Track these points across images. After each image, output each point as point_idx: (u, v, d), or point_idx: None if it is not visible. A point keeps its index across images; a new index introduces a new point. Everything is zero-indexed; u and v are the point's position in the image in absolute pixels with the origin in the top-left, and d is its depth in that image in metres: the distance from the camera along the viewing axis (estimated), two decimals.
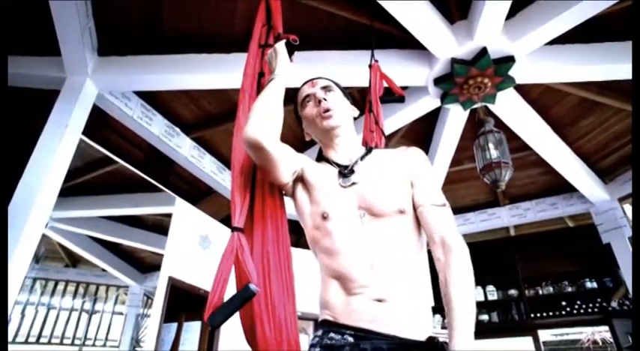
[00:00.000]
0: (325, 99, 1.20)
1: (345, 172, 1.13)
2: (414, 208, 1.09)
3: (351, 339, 0.94)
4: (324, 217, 1.07)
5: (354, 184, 1.11)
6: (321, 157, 1.27)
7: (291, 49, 1.28)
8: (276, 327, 1.00)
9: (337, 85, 1.30)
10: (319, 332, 1.01)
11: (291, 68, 1.27)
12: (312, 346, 0.98)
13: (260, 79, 1.38)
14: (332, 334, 0.97)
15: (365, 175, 1.12)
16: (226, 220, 4.42)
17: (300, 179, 1.19)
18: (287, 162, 1.15)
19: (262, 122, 1.08)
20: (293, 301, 1.07)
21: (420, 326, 0.96)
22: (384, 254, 1.00)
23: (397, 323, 0.93)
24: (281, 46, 1.27)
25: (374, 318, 0.94)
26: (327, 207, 1.08)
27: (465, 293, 0.91)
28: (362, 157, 1.18)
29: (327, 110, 1.19)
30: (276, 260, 1.08)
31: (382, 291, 0.96)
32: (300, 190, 1.17)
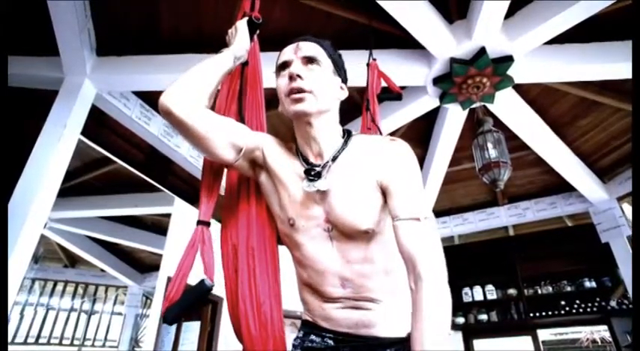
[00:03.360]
0: (300, 76, 0.97)
1: (312, 174, 0.96)
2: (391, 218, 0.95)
3: (331, 342, 0.95)
4: (291, 225, 1.00)
5: (319, 191, 0.97)
6: (294, 140, 1.10)
7: (253, 28, 1.22)
8: (261, 324, 0.99)
9: (328, 50, 1.06)
10: (300, 333, 1.01)
11: (248, 46, 1.19)
12: (294, 346, 0.99)
13: (243, 68, 1.27)
14: (312, 337, 0.97)
15: (334, 183, 0.97)
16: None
17: (262, 165, 1.07)
18: (217, 133, 0.98)
19: (180, 88, 0.98)
20: (278, 297, 1.05)
21: (400, 325, 0.95)
22: (353, 274, 0.96)
23: (375, 326, 0.93)
24: (241, 24, 1.21)
25: (351, 324, 0.94)
26: (294, 214, 1.00)
27: (432, 341, 0.73)
28: (334, 157, 1.00)
29: (300, 91, 0.96)
30: (262, 257, 1.06)
31: (356, 302, 0.95)
32: (265, 180, 1.07)
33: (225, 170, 1.16)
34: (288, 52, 1.03)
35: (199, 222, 1.06)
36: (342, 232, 0.96)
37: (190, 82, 1.00)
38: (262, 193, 1.11)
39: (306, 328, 1.00)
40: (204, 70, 1.03)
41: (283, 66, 1.02)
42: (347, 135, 1.06)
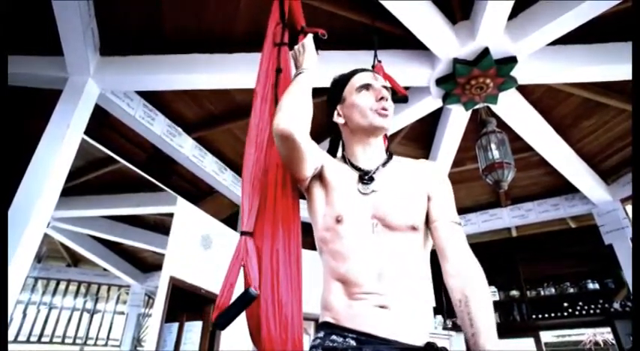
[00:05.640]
0: (387, 99, 1.17)
1: (365, 178, 1.11)
2: (428, 222, 1.08)
3: (352, 342, 0.93)
4: (338, 221, 1.05)
5: (373, 191, 1.08)
6: (333, 151, 1.25)
7: (317, 43, 1.28)
8: (282, 325, 1.00)
9: None
10: (320, 334, 1.00)
11: (317, 63, 1.26)
12: (313, 347, 0.98)
13: (278, 75, 1.36)
14: (334, 337, 0.96)
15: (384, 184, 1.10)
16: (228, 220, 4.42)
17: (318, 176, 1.17)
18: (312, 157, 1.12)
19: (293, 114, 1.07)
20: (299, 300, 1.07)
21: (420, 333, 0.96)
22: (391, 266, 0.99)
23: (399, 329, 0.93)
24: (309, 41, 1.28)
25: (376, 323, 0.94)
26: (343, 211, 1.06)
27: (490, 316, 0.92)
28: (384, 164, 1.16)
29: (386, 109, 1.16)
30: (285, 259, 1.08)
31: (386, 299, 0.96)
32: (316, 187, 1.15)
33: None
34: (370, 77, 1.22)
35: (243, 233, 1.10)
36: (388, 226, 1.04)
37: (299, 109, 1.10)
38: (289, 198, 1.17)
39: (326, 328, 0.99)
40: (301, 95, 1.14)
41: (366, 87, 1.19)
42: (390, 153, 1.23)
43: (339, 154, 1.27)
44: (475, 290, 0.93)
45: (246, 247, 1.07)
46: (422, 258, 1.05)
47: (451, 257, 0.99)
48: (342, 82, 1.25)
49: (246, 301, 1.01)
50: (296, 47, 1.30)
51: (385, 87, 1.20)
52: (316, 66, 1.24)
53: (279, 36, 1.43)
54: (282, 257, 1.08)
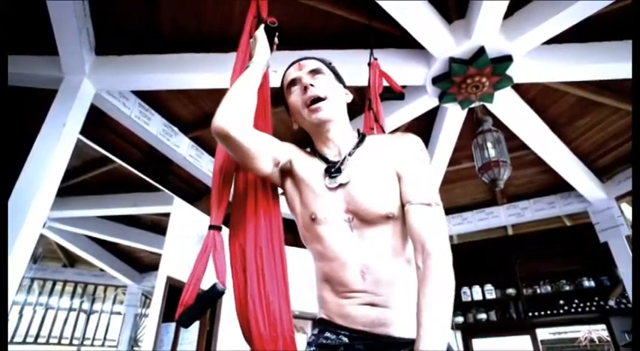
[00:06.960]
0: (312, 85, 1.08)
1: (332, 171, 1.04)
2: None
3: (345, 339, 0.94)
4: (313, 219, 1.02)
5: (340, 185, 1.02)
6: (311, 146, 1.19)
7: (271, 33, 1.23)
8: (271, 324, 0.99)
9: (328, 65, 1.17)
10: (315, 331, 1.01)
11: (270, 54, 1.22)
12: (308, 344, 0.99)
13: None
14: (327, 334, 0.97)
15: (353, 175, 1.03)
16: (225, 220, 4.41)
17: (289, 172, 1.12)
18: (263, 151, 1.07)
19: (230, 111, 1.03)
20: (287, 297, 1.06)
21: (414, 325, 0.95)
22: (374, 262, 0.96)
23: (390, 325, 0.93)
24: (260, 33, 1.22)
25: (367, 321, 0.93)
26: (315, 208, 1.02)
27: (437, 317, 0.80)
28: (351, 152, 1.07)
29: (316, 100, 1.06)
30: (269, 256, 1.07)
31: (374, 296, 0.94)
32: (289, 185, 1.12)
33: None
34: (293, 71, 1.14)
35: (211, 227, 1.08)
36: (363, 220, 0.99)
37: (237, 104, 1.06)
38: (269, 196, 1.15)
39: (321, 325, 1.00)
40: (243, 89, 1.10)
41: (292, 83, 1.13)
42: (361, 134, 1.14)
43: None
44: (427, 284, 0.83)
45: (214, 241, 1.06)
46: (407, 248, 1.01)
47: (417, 246, 0.90)
48: (282, 89, 1.19)
49: (213, 296, 0.96)
50: (251, 40, 1.27)
51: (314, 70, 1.12)
52: (267, 56, 1.20)
53: (254, 30, 1.42)
54: (265, 254, 1.07)
